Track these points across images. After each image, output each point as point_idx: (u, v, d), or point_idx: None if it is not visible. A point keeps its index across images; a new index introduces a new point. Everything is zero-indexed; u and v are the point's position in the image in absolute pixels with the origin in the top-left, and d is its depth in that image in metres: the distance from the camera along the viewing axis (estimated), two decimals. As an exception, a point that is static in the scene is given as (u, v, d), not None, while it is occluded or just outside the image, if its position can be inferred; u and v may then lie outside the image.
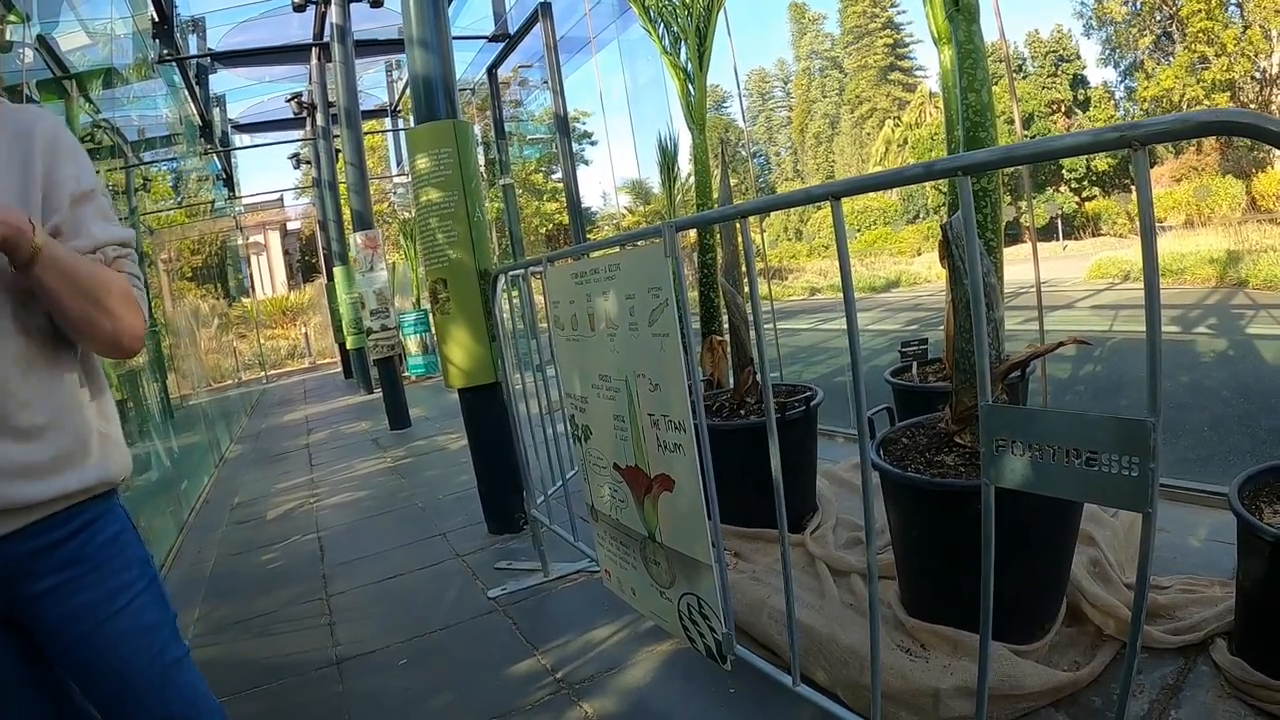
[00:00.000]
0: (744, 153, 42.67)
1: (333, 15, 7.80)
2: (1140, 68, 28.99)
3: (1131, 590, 1.98)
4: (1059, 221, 29.00)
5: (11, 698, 1.21)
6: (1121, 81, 31.17)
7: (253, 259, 32.37)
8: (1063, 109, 31.79)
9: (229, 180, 15.40)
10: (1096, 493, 1.10)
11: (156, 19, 7.27)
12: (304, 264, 35.98)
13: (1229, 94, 24.88)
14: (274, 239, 35.89)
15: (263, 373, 20.15)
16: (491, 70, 10.77)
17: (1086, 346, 7.67)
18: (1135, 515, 1.04)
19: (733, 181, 3.65)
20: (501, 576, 3.27)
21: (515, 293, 3.25)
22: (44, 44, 4.49)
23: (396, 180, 23.41)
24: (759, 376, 1.68)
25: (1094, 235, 28.26)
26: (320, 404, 11.73)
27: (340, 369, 16.09)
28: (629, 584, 2.16)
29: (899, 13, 45.33)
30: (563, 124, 9.36)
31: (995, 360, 2.04)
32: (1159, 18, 27.78)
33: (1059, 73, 32.31)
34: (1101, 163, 28.17)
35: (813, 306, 19.99)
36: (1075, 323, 10.52)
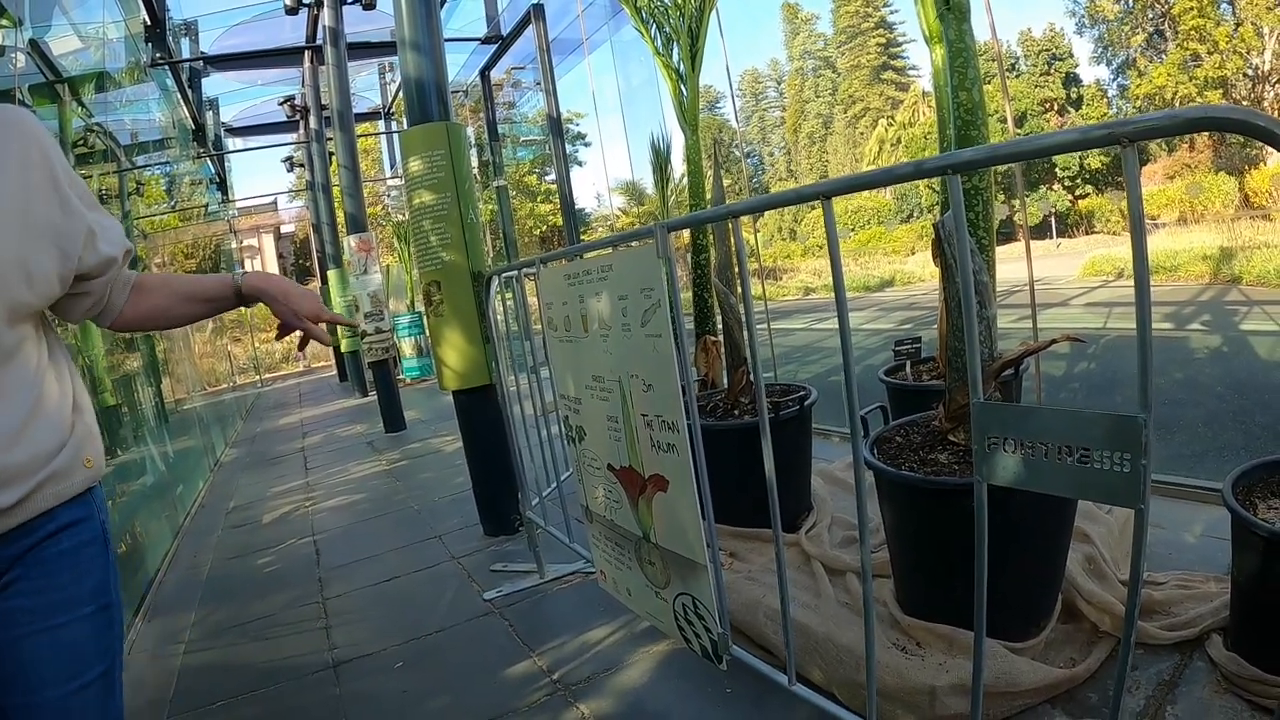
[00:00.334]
0: (738, 153, 42.73)
1: (325, 18, 7.78)
2: (1133, 66, 29.11)
3: (1126, 586, 1.99)
4: (1052, 220, 29.06)
5: None
6: (1114, 79, 31.36)
7: (247, 262, 32.33)
8: (1056, 107, 31.89)
9: (222, 184, 15.36)
10: (1089, 489, 1.09)
11: (149, 22, 7.25)
12: (298, 267, 35.92)
13: (1221, 91, 25.00)
14: (268, 242, 35.82)
15: (257, 376, 20.10)
16: (484, 72, 10.77)
17: (1080, 344, 7.70)
18: (1129, 511, 1.04)
19: (727, 182, 3.65)
20: (497, 578, 3.27)
21: (509, 295, 3.25)
22: (36, 48, 4.47)
23: (390, 183, 23.38)
24: (752, 376, 1.68)
25: (1088, 233, 28.32)
26: (315, 407, 11.71)
27: (335, 372, 16.08)
28: (624, 585, 2.16)
29: (891, 12, 45.49)
30: (556, 125, 9.36)
31: (988, 358, 2.05)
32: (1151, 15, 27.91)
33: (1052, 71, 32.42)
34: (1095, 160, 28.26)
35: (807, 306, 20.00)
36: (1069, 321, 10.55)
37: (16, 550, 1.10)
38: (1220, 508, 1.84)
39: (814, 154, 47.86)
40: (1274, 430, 4.66)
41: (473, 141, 15.82)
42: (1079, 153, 27.91)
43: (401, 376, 11.07)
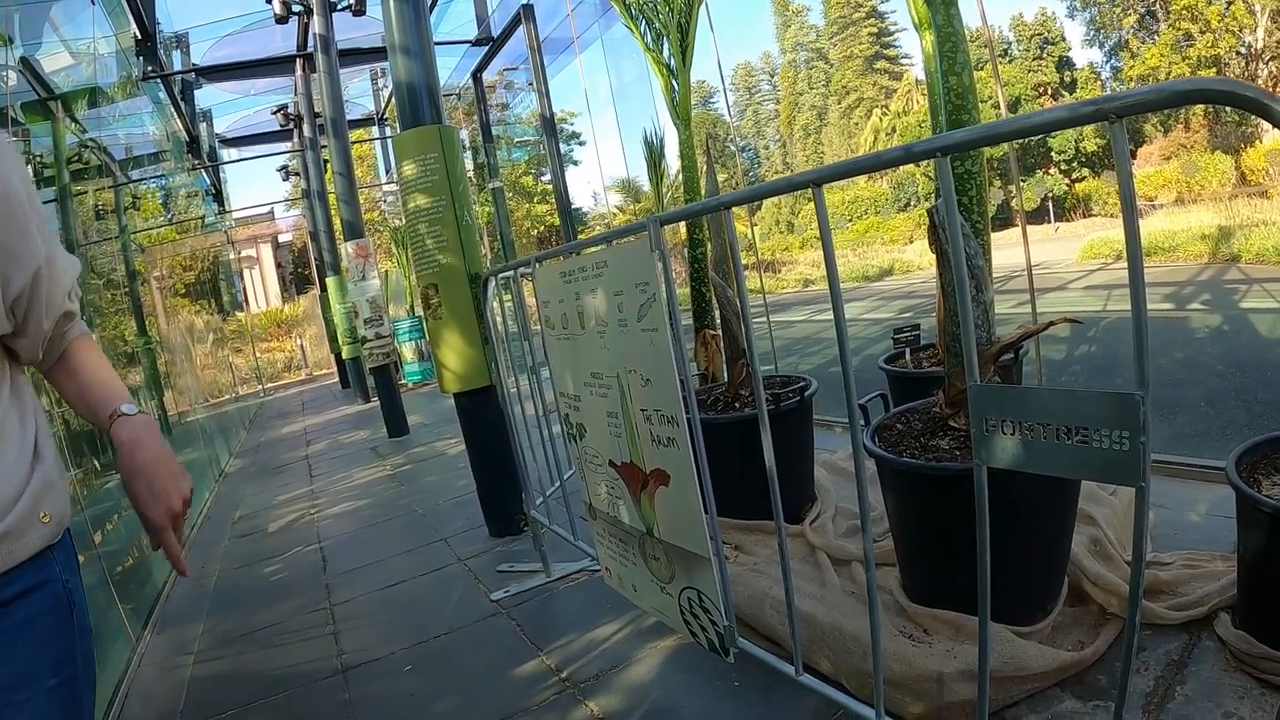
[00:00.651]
0: (732, 147, 42.69)
1: (315, 26, 7.78)
2: (1125, 47, 29.04)
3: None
4: (1049, 204, 28.98)
5: None
6: (1107, 62, 31.28)
7: (245, 273, 32.39)
8: (1049, 91, 31.82)
9: (218, 195, 15.37)
10: (1089, 469, 1.09)
11: (139, 36, 7.24)
12: (297, 276, 35.96)
13: (1215, 70, 24.91)
14: (266, 252, 35.88)
15: (260, 386, 20.12)
16: (476, 74, 10.75)
17: (1079, 325, 7.69)
18: (1133, 492, 1.04)
19: (723, 177, 3.65)
20: (503, 579, 3.27)
21: (508, 295, 3.25)
22: (28, 66, 4.47)
23: (387, 188, 23.39)
24: (751, 368, 1.67)
25: (1085, 216, 28.25)
26: (318, 415, 11.72)
27: (337, 379, 16.09)
28: (630, 581, 2.15)
29: (882, 1, 45.37)
30: (549, 125, 9.34)
31: (986, 342, 2.04)
32: (1142, -4, 27.84)
33: (1044, 55, 32.35)
34: (1090, 143, 28.20)
35: (807, 298, 19.98)
36: (1069, 304, 10.53)
37: None
38: (1224, 486, 1.83)
39: (809, 146, 47.76)
40: (1276, 407, 4.65)
41: (467, 144, 15.80)
42: (1074, 137, 27.79)
43: (403, 381, 11.08)
